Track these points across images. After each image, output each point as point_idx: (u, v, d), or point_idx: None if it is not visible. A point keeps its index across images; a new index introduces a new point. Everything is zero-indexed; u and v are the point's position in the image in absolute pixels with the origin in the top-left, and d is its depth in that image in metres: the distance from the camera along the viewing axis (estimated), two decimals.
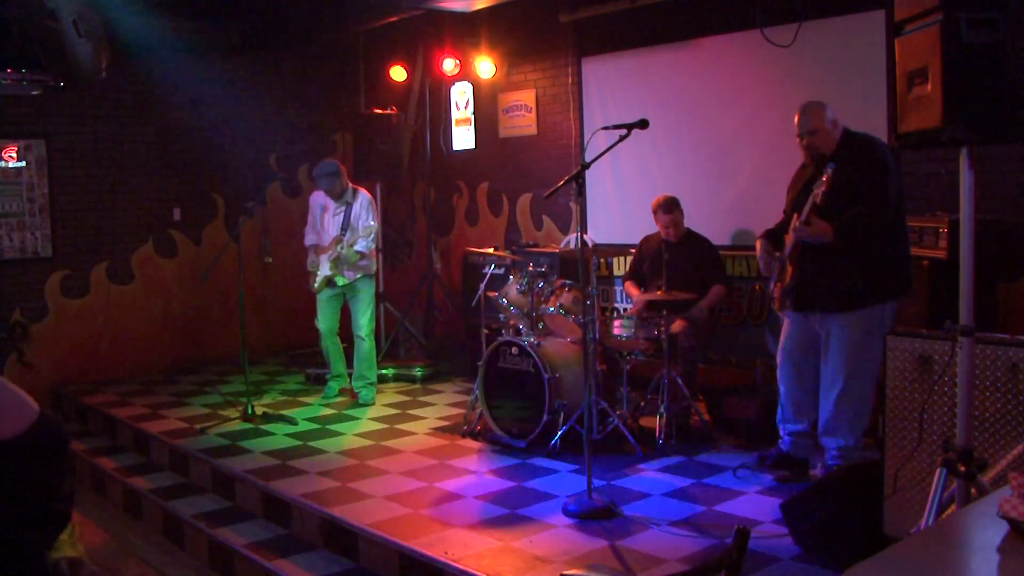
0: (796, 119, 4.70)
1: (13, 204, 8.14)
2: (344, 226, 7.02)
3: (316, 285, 7.11)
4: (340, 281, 7.07)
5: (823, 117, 4.62)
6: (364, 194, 7.17)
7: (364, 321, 7.16)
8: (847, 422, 4.63)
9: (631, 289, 6.41)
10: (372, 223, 7.03)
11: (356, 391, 7.27)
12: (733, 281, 6.37)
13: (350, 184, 7.16)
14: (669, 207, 6.14)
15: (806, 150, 4.69)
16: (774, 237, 4.93)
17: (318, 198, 7.24)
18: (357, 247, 6.92)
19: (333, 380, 7.42)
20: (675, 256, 5.99)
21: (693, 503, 4.70)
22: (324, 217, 7.15)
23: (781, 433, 5.03)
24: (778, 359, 5.00)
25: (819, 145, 4.60)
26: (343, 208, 7.07)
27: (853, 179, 4.49)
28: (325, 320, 7.24)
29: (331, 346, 7.34)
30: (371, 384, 7.28)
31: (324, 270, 7.04)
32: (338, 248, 6.94)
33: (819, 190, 4.43)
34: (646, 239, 6.43)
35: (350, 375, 7.35)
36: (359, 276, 7.12)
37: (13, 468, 1.13)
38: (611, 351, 5.93)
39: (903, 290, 4.68)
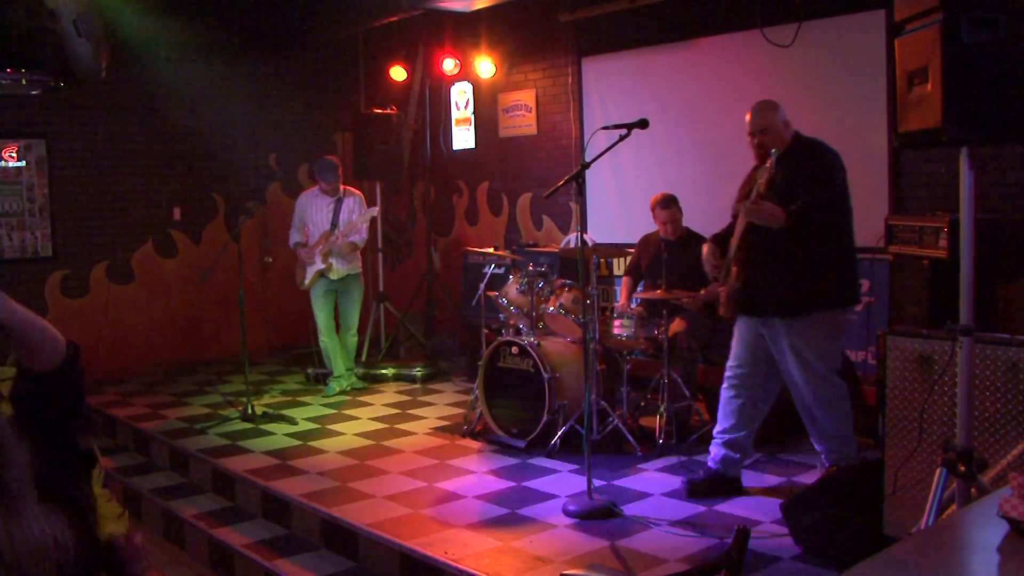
0: (748, 118, 4.67)
1: (13, 204, 8.14)
2: (334, 221, 7.20)
3: (307, 281, 7.24)
4: (333, 275, 7.17)
5: (775, 117, 4.59)
6: (356, 193, 7.41)
7: (354, 314, 7.44)
8: (829, 425, 4.55)
9: (623, 288, 6.50)
10: (368, 211, 7.27)
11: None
12: None
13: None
14: (667, 203, 6.16)
15: (756, 149, 4.64)
16: (722, 242, 4.80)
17: (306, 198, 7.43)
18: (352, 238, 7.14)
19: (334, 380, 7.45)
20: (674, 255, 5.98)
21: (693, 503, 4.69)
22: (312, 213, 7.31)
23: (714, 445, 4.80)
24: (726, 372, 4.76)
25: (769, 144, 4.54)
26: (333, 204, 7.25)
27: (796, 178, 4.42)
28: (323, 318, 7.34)
29: (331, 344, 7.39)
30: (353, 371, 7.63)
31: (317, 264, 7.15)
32: (330, 241, 7.12)
33: (762, 179, 4.41)
34: (645, 238, 6.44)
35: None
36: (350, 272, 7.28)
37: (58, 391, 1.59)
38: (611, 351, 5.93)
39: (848, 301, 4.60)
